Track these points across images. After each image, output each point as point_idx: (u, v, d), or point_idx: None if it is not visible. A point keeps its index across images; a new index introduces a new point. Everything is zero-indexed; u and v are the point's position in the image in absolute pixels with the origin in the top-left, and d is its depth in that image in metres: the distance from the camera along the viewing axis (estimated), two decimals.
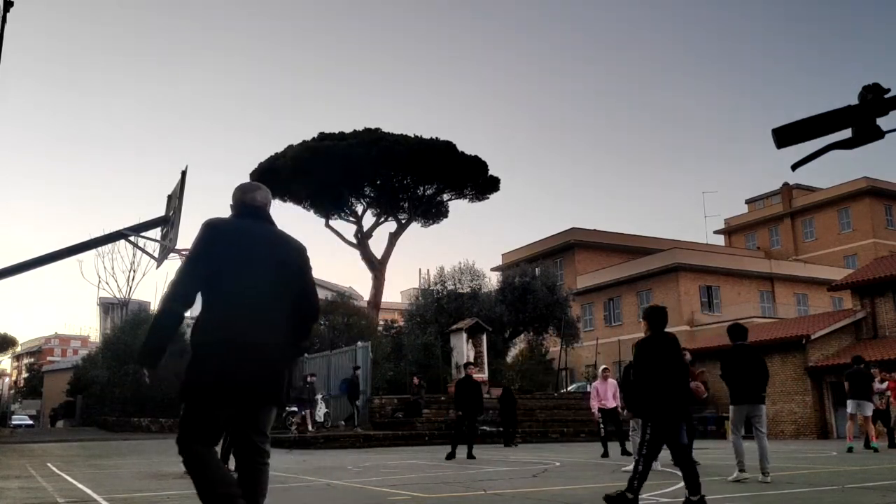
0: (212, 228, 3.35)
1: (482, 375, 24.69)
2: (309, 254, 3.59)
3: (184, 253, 10.54)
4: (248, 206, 3.53)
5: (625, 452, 13.30)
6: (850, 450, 14.23)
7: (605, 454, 13.69)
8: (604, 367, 15.42)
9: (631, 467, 9.79)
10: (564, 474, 9.79)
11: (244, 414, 3.20)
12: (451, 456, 13.13)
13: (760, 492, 7.21)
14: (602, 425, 14.34)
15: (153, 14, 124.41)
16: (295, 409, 22.72)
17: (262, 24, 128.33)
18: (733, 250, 51.13)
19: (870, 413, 14.90)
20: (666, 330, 5.97)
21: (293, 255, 3.48)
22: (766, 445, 8.19)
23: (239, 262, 3.29)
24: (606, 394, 14.24)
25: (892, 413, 16.49)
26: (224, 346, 3.14)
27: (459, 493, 7.55)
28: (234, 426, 3.22)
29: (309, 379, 20.63)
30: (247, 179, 38.03)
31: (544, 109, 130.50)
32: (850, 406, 14.84)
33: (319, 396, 22.14)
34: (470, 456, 13.26)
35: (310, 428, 19.96)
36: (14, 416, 56.30)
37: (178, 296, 3.20)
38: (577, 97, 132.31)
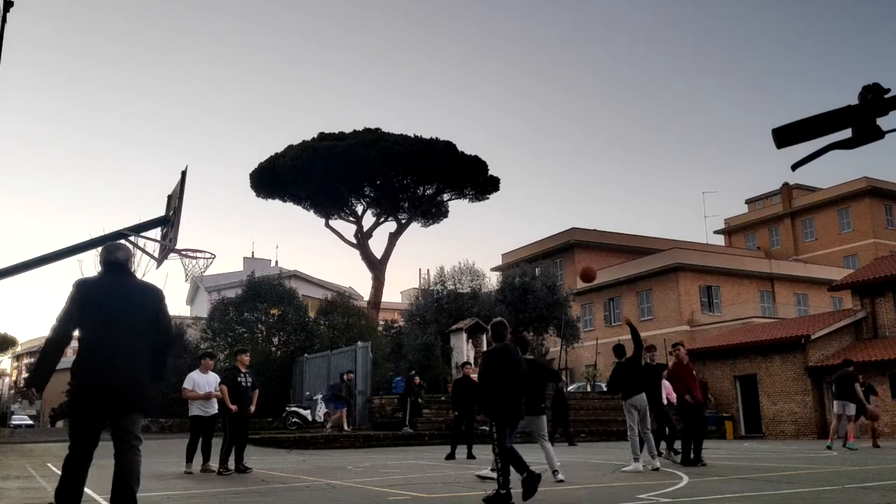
0: (80, 286, 4.43)
1: None
2: (165, 295, 4.67)
3: (184, 253, 10.56)
4: (112, 264, 4.57)
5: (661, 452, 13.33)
6: (828, 447, 15.25)
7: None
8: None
9: (631, 468, 9.83)
10: (564, 474, 9.78)
11: (114, 419, 4.30)
12: (450, 456, 13.12)
13: (761, 492, 7.22)
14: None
15: (153, 14, 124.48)
16: (296, 408, 22.73)
17: (262, 24, 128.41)
18: (733, 250, 51.11)
19: (853, 413, 15.50)
20: (506, 341, 6.67)
21: (149, 300, 4.53)
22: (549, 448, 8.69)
23: (103, 311, 4.33)
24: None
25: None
26: (93, 371, 4.27)
27: (459, 493, 7.55)
28: (113, 428, 4.30)
29: (346, 377, 20.66)
30: (247, 180, 38.15)
31: (544, 109, 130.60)
32: (836, 406, 15.70)
33: (319, 397, 22.12)
34: (470, 456, 13.25)
35: (345, 427, 19.98)
36: (14, 417, 56.25)
37: (58, 335, 4.32)
38: (577, 97, 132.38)
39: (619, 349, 10.96)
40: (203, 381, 10.43)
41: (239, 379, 10.21)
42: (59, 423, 52.92)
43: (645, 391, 10.40)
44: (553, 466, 8.37)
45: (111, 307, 4.36)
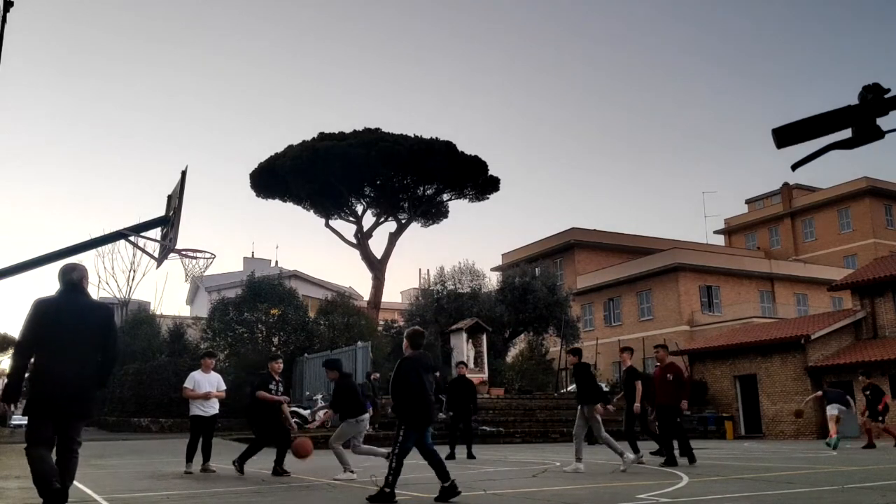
0: (38, 305, 5.03)
1: (482, 375, 24.69)
2: (113, 312, 5.40)
3: (184, 253, 10.54)
4: (67, 283, 5.16)
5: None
6: (830, 445, 16.60)
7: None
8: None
9: (624, 464, 9.85)
10: (564, 474, 9.79)
11: (62, 425, 4.93)
12: (450, 456, 13.10)
13: (761, 492, 7.22)
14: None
15: (153, 14, 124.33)
16: (296, 408, 22.70)
17: (261, 24, 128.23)
18: (733, 250, 51.11)
19: (835, 413, 17.14)
20: (423, 350, 7.10)
21: (98, 317, 5.16)
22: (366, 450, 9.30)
23: (57, 327, 4.96)
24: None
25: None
26: (47, 382, 4.89)
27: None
28: (60, 433, 4.93)
29: (373, 377, 20.74)
30: (247, 180, 38.15)
31: (544, 109, 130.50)
32: (831, 409, 17.46)
33: (319, 397, 22.10)
34: (470, 456, 13.24)
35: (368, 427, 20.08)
36: (14, 417, 56.18)
37: (21, 352, 4.99)
38: (577, 97, 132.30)
39: (576, 350, 11.09)
40: (204, 381, 10.41)
41: (271, 386, 10.21)
42: None
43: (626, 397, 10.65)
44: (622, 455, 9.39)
45: (64, 324, 5.00)
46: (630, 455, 10.18)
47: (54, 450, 4.99)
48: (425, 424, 6.76)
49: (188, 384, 10.39)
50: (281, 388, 10.34)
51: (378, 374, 21.09)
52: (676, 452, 11.07)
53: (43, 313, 5.01)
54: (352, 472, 9.21)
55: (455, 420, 13.91)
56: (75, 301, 5.12)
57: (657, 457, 12.58)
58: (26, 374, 5.12)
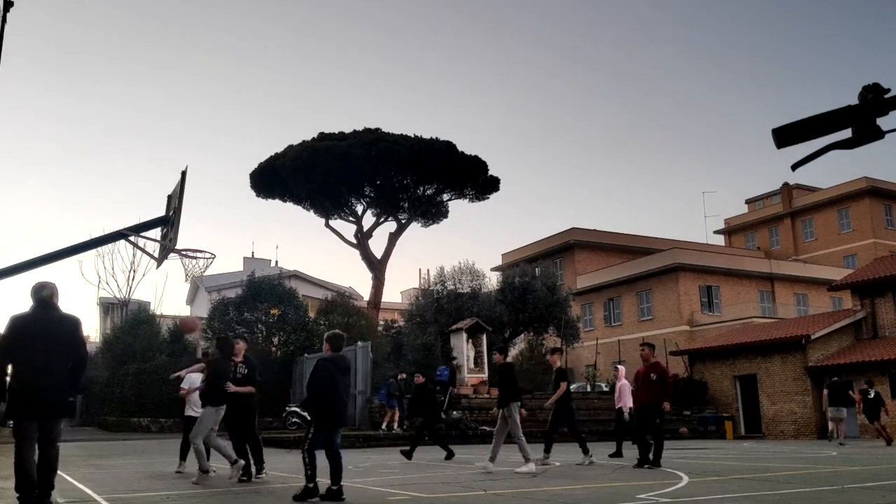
0: (14, 321, 5.74)
1: (482, 376, 24.67)
2: (80, 323, 6.08)
3: (184, 253, 10.53)
4: (39, 300, 5.82)
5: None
6: (840, 444, 17.74)
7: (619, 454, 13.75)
8: (616, 366, 15.37)
9: (525, 469, 9.81)
10: (564, 474, 9.79)
11: (42, 424, 5.67)
12: (407, 454, 12.82)
13: (760, 492, 7.22)
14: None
15: (153, 14, 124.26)
16: (296, 408, 22.71)
17: (262, 24, 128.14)
18: (733, 250, 51.10)
19: (845, 416, 18.58)
20: (341, 353, 7.37)
21: (67, 329, 5.84)
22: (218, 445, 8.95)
23: (32, 339, 5.65)
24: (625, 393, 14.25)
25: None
26: (25, 390, 5.61)
27: (459, 493, 7.55)
28: (41, 431, 5.65)
29: (399, 377, 20.79)
30: (247, 180, 38.14)
31: (544, 109, 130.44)
32: (832, 412, 18.63)
33: None
34: (449, 456, 12.89)
35: (395, 427, 20.12)
36: None
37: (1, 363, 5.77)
38: (577, 97, 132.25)
39: (501, 349, 11.31)
40: (199, 381, 10.34)
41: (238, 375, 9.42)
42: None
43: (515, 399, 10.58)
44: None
45: (37, 336, 5.67)
46: (530, 463, 10.08)
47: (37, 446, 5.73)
48: (335, 424, 7.06)
49: (185, 385, 10.35)
50: (243, 371, 9.33)
51: (405, 375, 21.08)
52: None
53: (19, 328, 5.71)
54: (213, 470, 8.98)
55: (421, 427, 13.80)
56: (46, 315, 5.80)
57: (614, 459, 12.90)
58: (7, 382, 5.80)
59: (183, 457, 10.21)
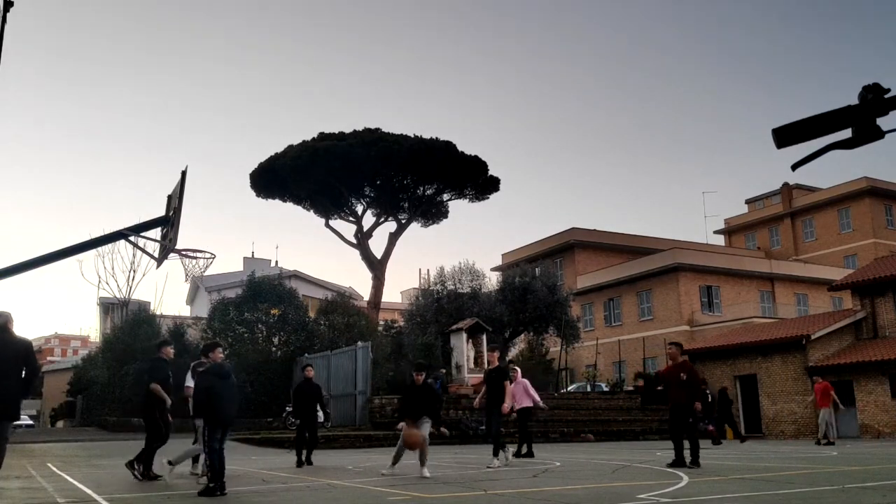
0: None
1: (481, 376, 24.67)
2: (31, 344, 7.52)
3: (184, 253, 10.53)
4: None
5: (530, 454, 13.66)
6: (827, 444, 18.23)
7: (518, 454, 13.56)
8: (513, 367, 14.74)
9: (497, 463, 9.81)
10: (564, 474, 9.79)
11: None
12: (298, 464, 12.13)
13: (760, 492, 7.22)
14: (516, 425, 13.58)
15: (153, 14, 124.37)
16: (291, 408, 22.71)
17: (262, 24, 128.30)
18: (733, 250, 51.10)
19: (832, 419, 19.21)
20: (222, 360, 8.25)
21: (20, 348, 7.16)
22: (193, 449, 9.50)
23: None
24: (520, 393, 13.90)
25: (820, 416, 19.48)
26: None
27: (459, 493, 7.55)
28: None
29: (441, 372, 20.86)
30: (247, 180, 38.14)
31: (544, 109, 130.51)
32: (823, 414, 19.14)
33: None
34: (308, 462, 12.28)
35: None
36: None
37: None
38: (577, 97, 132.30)
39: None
40: None
41: (170, 373, 9.79)
42: (60, 424, 52.94)
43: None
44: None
45: None
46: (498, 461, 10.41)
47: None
48: (218, 424, 7.69)
49: (189, 383, 10.20)
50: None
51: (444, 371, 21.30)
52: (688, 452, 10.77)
53: None
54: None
55: (300, 427, 12.77)
56: (4, 339, 7.08)
57: (526, 458, 12.92)
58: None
59: (195, 459, 10.09)
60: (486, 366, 13.05)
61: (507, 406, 11.54)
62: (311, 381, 13.12)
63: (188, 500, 7.19)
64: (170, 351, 10.04)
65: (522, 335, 33.84)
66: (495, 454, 11.33)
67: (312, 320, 29.73)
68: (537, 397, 14.85)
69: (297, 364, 26.73)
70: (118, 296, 39.01)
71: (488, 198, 39.25)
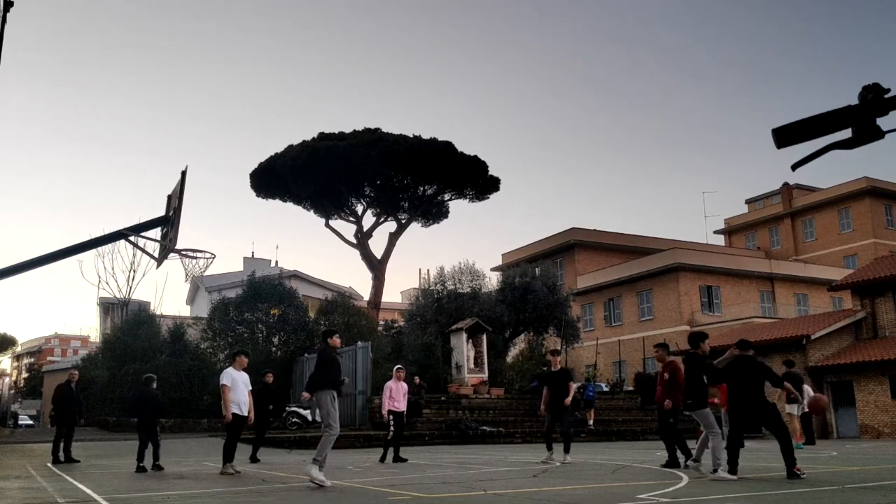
0: None
1: (482, 376, 24.66)
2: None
3: (184, 253, 10.55)
4: None
5: (398, 459, 12.79)
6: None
7: (384, 458, 13.13)
8: (398, 366, 14.33)
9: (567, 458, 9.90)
10: (564, 474, 9.79)
11: None
12: (253, 459, 12.73)
13: (760, 492, 7.22)
14: (392, 428, 13.30)
15: (154, 14, 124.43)
16: (296, 408, 22.72)
17: (262, 24, 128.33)
18: (733, 250, 51.10)
19: (797, 412, 16.85)
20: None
21: None
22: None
23: None
24: (398, 395, 13.46)
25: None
26: None
27: (459, 493, 7.55)
28: None
29: (416, 382, 20.88)
30: (247, 179, 38.14)
31: (544, 109, 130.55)
32: (791, 408, 17.08)
33: None
34: (254, 459, 12.66)
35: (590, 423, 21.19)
36: (21, 417, 56.27)
37: None
38: (577, 97, 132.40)
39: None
40: (240, 379, 10.18)
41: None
42: None
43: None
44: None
45: None
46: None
47: None
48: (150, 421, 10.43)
49: (226, 381, 10.00)
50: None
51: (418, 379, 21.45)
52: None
53: None
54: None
55: (260, 428, 13.25)
56: None
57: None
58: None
59: (230, 458, 10.08)
60: (547, 368, 13.20)
61: (568, 400, 12.60)
62: (269, 385, 13.79)
63: (188, 500, 7.19)
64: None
65: (522, 335, 33.81)
66: (566, 451, 12.09)
67: (312, 320, 29.74)
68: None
69: (296, 364, 26.75)
70: (118, 296, 39.04)
71: (488, 198, 39.27)
